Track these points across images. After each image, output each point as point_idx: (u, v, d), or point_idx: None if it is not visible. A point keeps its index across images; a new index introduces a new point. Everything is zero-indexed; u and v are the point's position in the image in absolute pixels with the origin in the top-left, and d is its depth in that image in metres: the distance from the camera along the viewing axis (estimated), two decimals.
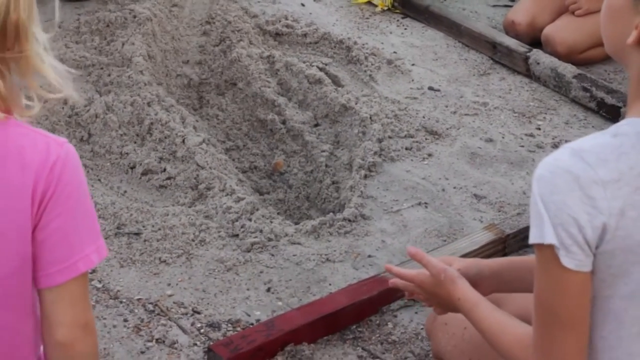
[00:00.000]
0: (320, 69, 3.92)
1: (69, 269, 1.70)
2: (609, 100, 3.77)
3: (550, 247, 1.67)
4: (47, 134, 1.69)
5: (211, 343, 2.58)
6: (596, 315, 1.75)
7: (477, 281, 2.19)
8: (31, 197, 1.65)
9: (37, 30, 1.64)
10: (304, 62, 3.94)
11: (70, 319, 1.71)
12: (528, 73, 4.06)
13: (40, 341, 1.80)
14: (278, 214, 3.28)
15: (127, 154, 3.37)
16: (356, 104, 3.67)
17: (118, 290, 2.76)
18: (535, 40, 4.28)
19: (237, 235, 3.02)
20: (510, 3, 4.75)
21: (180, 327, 2.66)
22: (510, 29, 4.36)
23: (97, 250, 1.74)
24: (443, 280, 2.10)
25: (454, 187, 3.33)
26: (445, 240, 3.06)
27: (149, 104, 3.47)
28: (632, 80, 1.76)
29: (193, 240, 2.97)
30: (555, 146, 3.60)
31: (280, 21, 4.20)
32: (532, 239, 1.70)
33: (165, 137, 3.38)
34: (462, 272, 2.15)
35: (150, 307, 2.71)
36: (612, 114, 3.77)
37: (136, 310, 2.69)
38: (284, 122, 3.67)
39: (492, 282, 2.22)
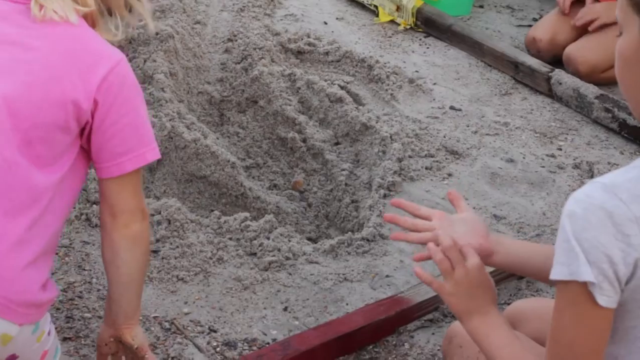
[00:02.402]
0: (342, 88, 3.92)
1: (139, 158, 1.97)
2: (631, 121, 3.75)
3: (583, 284, 1.64)
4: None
5: None
6: (619, 343, 1.74)
7: (494, 249, 2.16)
8: (97, 85, 1.88)
9: None
10: (325, 81, 3.94)
11: (133, 206, 2.01)
12: (550, 93, 4.04)
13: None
14: (296, 232, 3.28)
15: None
16: (377, 122, 3.67)
17: None
18: (556, 57, 4.28)
19: (255, 254, 3.02)
20: (533, 23, 4.75)
21: (196, 346, 2.65)
22: (531, 46, 4.37)
23: (156, 146, 2.01)
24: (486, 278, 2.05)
25: (474, 207, 3.32)
26: None
27: (170, 121, 3.47)
28: None
29: (211, 259, 2.97)
30: (577, 167, 3.58)
31: (302, 39, 4.21)
32: (559, 275, 1.67)
33: None
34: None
35: (167, 325, 2.71)
36: (634, 135, 3.75)
37: (152, 329, 2.69)
38: (304, 141, 3.67)
39: (509, 256, 2.17)
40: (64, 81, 1.85)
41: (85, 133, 1.93)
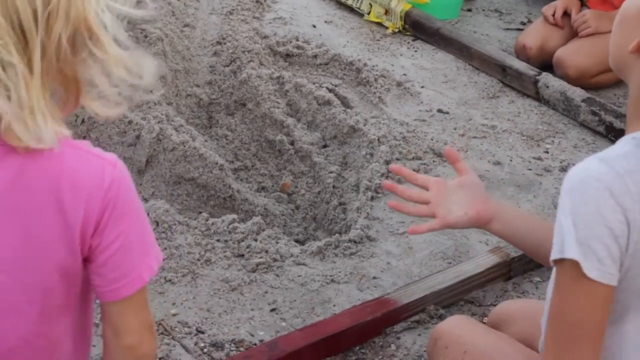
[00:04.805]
0: (330, 90, 3.93)
1: (135, 281, 1.74)
2: (618, 124, 3.77)
3: (576, 262, 1.64)
4: (100, 153, 1.69)
5: None
6: (611, 339, 1.74)
7: (494, 215, 2.20)
8: (82, 220, 1.66)
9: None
10: (314, 83, 3.95)
11: (138, 325, 1.77)
12: (537, 96, 4.06)
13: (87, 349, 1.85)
14: (284, 234, 3.29)
15: None
16: (364, 125, 3.68)
17: None
18: (545, 64, 4.29)
19: (242, 256, 3.03)
20: (521, 26, 4.76)
21: (184, 347, 2.66)
22: (521, 53, 4.37)
23: (156, 257, 1.77)
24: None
25: None
26: (450, 263, 3.06)
27: (158, 124, 3.48)
28: (633, 92, 1.76)
29: (199, 260, 2.98)
30: (563, 170, 3.60)
31: (291, 42, 4.22)
32: (555, 254, 1.66)
33: None
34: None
35: (155, 326, 2.71)
36: (620, 137, 3.77)
37: None
38: (292, 143, 3.69)
39: (508, 227, 2.19)
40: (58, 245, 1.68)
41: None
